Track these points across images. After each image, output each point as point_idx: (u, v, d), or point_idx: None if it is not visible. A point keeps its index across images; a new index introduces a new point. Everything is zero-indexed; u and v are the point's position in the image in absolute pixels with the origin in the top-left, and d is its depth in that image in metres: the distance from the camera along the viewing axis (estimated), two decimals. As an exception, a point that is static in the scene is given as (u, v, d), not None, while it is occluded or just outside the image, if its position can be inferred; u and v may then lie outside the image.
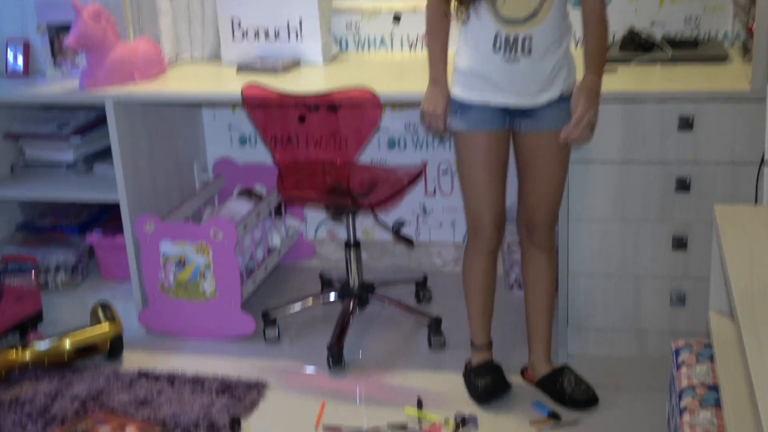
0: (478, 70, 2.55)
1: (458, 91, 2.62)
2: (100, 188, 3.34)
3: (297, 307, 3.38)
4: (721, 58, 3.02)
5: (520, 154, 2.71)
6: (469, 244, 2.80)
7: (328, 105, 2.85)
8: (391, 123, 3.59)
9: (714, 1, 3.24)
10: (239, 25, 3.44)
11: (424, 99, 2.68)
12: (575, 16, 2.66)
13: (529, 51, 2.50)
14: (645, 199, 2.84)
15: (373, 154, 3.68)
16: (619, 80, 2.88)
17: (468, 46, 2.57)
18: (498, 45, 2.50)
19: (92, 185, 3.39)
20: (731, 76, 2.85)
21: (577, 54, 2.65)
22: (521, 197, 2.75)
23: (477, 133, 2.62)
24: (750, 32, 2.81)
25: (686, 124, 2.74)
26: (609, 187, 2.85)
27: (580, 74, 2.61)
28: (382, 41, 3.55)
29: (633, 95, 2.76)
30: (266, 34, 3.43)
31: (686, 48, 3.13)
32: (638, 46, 3.14)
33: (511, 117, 2.62)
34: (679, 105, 2.73)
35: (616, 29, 3.32)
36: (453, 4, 2.55)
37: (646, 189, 2.83)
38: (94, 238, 3.49)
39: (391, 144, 3.67)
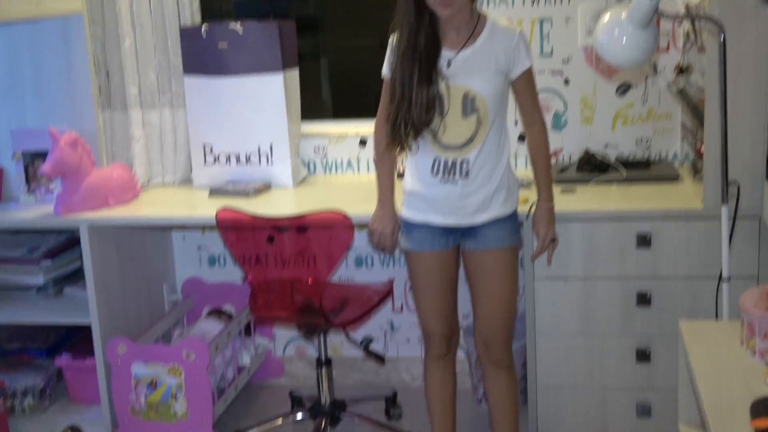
0: (420, 192, 2.73)
1: (404, 211, 2.80)
2: (70, 311, 3.35)
3: (267, 427, 3.38)
4: (673, 177, 3.18)
5: (468, 272, 2.82)
6: (425, 354, 2.93)
7: (299, 227, 2.93)
8: (358, 241, 3.68)
9: (663, 124, 3.43)
10: (211, 150, 3.55)
11: (372, 218, 2.88)
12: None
13: (466, 174, 2.66)
14: (608, 313, 2.94)
15: (341, 272, 3.75)
16: (578, 200, 3.02)
17: (411, 170, 2.76)
18: (436, 169, 2.68)
19: (62, 308, 3.39)
20: (684, 195, 3.00)
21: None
22: (475, 314, 2.82)
23: (423, 253, 2.78)
24: (699, 153, 2.97)
25: (644, 241, 2.87)
26: (573, 303, 2.94)
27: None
28: (349, 164, 3.67)
29: (592, 215, 2.89)
30: (237, 159, 3.53)
31: (639, 168, 3.29)
32: (594, 167, 3.29)
33: (456, 236, 2.77)
34: (636, 223, 2.87)
35: (572, 151, 3.49)
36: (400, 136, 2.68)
37: (608, 304, 2.93)
38: (63, 361, 3.48)
39: (359, 262, 3.75)
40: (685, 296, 2.88)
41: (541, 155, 2.78)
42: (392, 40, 2.70)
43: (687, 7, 3.00)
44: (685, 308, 2.88)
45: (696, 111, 2.98)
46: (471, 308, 2.83)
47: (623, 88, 3.43)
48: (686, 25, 3.20)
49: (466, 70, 2.62)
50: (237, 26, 3.42)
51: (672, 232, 2.85)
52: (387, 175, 2.85)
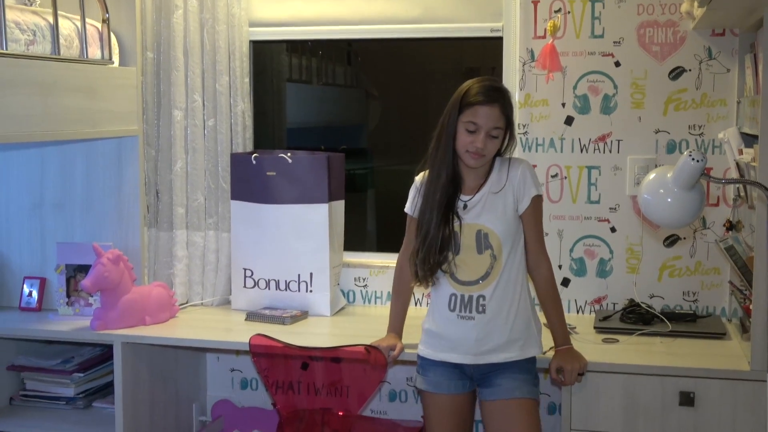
0: (437, 328, 2.75)
1: (421, 349, 2.80)
2: (97, 425, 3.32)
3: None
4: (720, 334, 3.09)
5: (487, 424, 2.75)
6: None
7: (332, 358, 2.90)
8: (392, 375, 3.62)
9: (711, 278, 3.37)
10: (251, 274, 3.56)
11: (380, 341, 2.91)
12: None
13: (483, 309, 2.68)
14: (647, 473, 2.82)
15: (373, 405, 3.68)
16: (620, 351, 2.94)
17: (431, 308, 2.80)
18: (453, 305, 2.71)
19: (89, 422, 3.37)
20: (730, 354, 2.90)
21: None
22: None
23: (439, 395, 2.77)
24: (747, 311, 2.90)
25: (687, 399, 2.77)
26: (611, 458, 2.84)
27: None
28: (389, 296, 3.65)
29: (634, 368, 2.80)
30: (277, 285, 3.53)
31: (685, 322, 3.21)
32: (639, 318, 3.22)
33: (472, 382, 2.75)
34: (679, 380, 2.77)
35: (617, 300, 3.43)
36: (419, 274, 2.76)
37: (648, 462, 2.82)
38: (85, 477, 3.42)
39: (392, 396, 3.67)
40: (729, 461, 2.76)
41: (550, 299, 2.79)
42: (419, 178, 2.82)
43: (738, 165, 2.98)
44: (729, 474, 2.75)
45: (744, 269, 2.92)
46: None
47: (671, 240, 3.39)
48: (736, 180, 3.17)
49: (480, 210, 2.70)
50: (287, 155, 3.48)
51: (717, 392, 2.75)
52: (398, 309, 2.95)
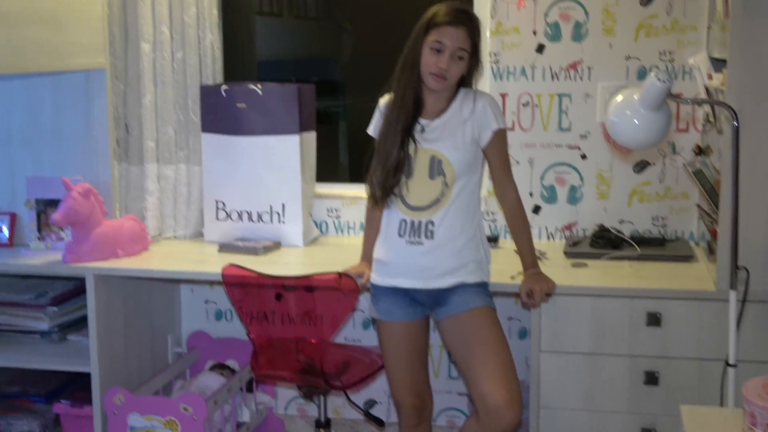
0: (386, 255, 2.78)
1: (373, 276, 2.84)
2: (71, 358, 3.34)
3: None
4: (688, 257, 3.14)
5: (448, 343, 2.79)
6: (399, 424, 2.94)
7: (305, 286, 2.92)
8: (366, 304, 3.64)
9: (680, 203, 3.40)
10: (223, 206, 3.56)
11: (351, 268, 2.92)
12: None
13: (431, 234, 2.70)
14: (614, 391, 2.88)
15: (347, 333, 3.72)
16: (589, 275, 2.99)
17: (381, 236, 2.81)
18: (402, 230, 2.73)
19: (64, 355, 3.38)
20: (697, 276, 2.95)
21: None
22: (472, 383, 2.69)
23: (391, 323, 2.81)
24: (714, 235, 2.94)
25: (654, 319, 2.82)
26: (579, 378, 2.89)
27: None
28: (361, 226, 3.66)
29: (603, 290, 2.85)
30: (249, 216, 3.53)
31: (654, 246, 3.25)
32: (608, 242, 3.26)
33: (424, 308, 2.79)
34: (647, 301, 2.82)
35: (587, 226, 3.47)
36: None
37: (615, 381, 2.87)
38: (61, 407, 3.45)
39: (366, 324, 3.71)
40: (693, 378, 2.82)
41: (519, 225, 2.81)
42: (383, 101, 2.82)
43: (707, 90, 2.99)
44: (693, 390, 2.82)
45: (712, 192, 2.95)
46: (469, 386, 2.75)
47: (640, 166, 3.42)
48: (706, 106, 3.19)
49: (437, 136, 2.71)
50: (257, 87, 3.46)
51: (683, 312, 2.80)
52: (373, 236, 2.91)
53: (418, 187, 2.71)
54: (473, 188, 2.75)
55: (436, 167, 2.70)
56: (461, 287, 2.73)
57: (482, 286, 2.77)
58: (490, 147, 2.73)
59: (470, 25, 2.65)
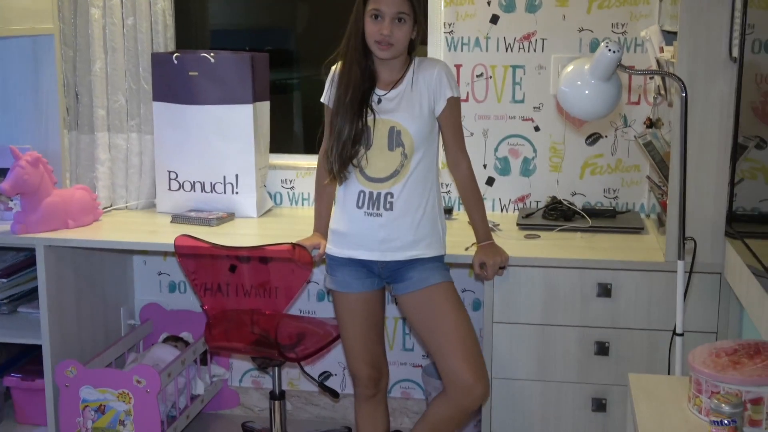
0: (344, 227, 2.77)
1: (329, 247, 2.83)
2: (22, 330, 3.30)
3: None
4: (638, 229, 3.18)
5: (410, 317, 2.81)
6: (354, 395, 2.96)
7: (259, 258, 2.91)
8: (320, 275, 3.64)
9: (631, 175, 3.44)
10: (176, 177, 3.52)
11: (305, 240, 2.92)
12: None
13: (390, 206, 2.70)
14: (565, 361, 2.92)
15: (302, 305, 3.72)
16: (541, 246, 3.01)
17: (338, 207, 2.81)
18: (361, 201, 2.72)
19: (14, 327, 3.35)
20: (647, 247, 2.99)
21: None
22: (442, 365, 2.72)
23: (347, 294, 2.81)
24: (664, 207, 2.98)
25: (605, 290, 2.86)
26: (531, 348, 2.92)
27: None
28: (316, 197, 3.66)
29: (554, 261, 2.88)
30: (202, 187, 3.50)
31: (605, 218, 3.29)
32: (560, 214, 3.29)
33: (380, 279, 2.80)
34: (598, 272, 2.86)
35: (539, 198, 3.49)
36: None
37: (566, 351, 2.91)
38: (11, 380, 3.42)
39: (321, 296, 3.72)
40: (643, 348, 2.87)
41: (471, 197, 2.83)
42: (333, 70, 2.81)
43: (658, 63, 3.01)
44: (643, 360, 2.87)
45: (662, 164, 2.99)
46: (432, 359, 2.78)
47: (593, 138, 3.44)
48: (657, 79, 3.22)
49: (394, 107, 2.70)
50: (209, 55, 3.41)
51: (633, 283, 2.84)
52: (325, 207, 2.94)
53: (377, 158, 2.70)
54: (432, 159, 2.75)
55: (395, 138, 2.69)
56: (419, 261, 2.74)
57: (439, 260, 2.78)
58: (444, 115, 2.73)
59: None
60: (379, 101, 2.71)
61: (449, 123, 2.75)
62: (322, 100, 2.85)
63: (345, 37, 2.72)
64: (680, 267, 2.42)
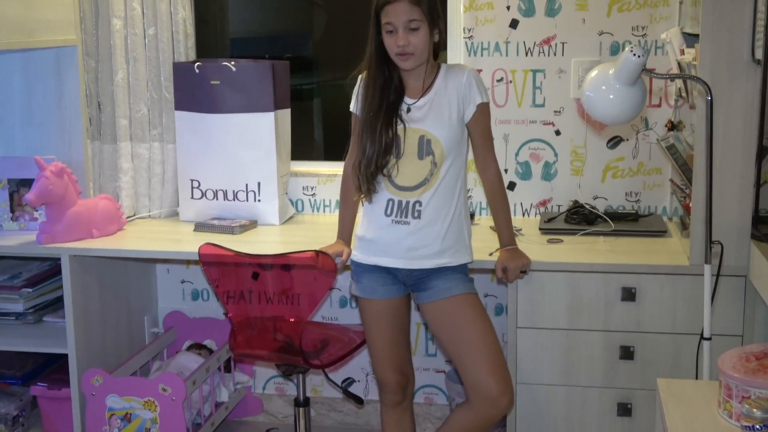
0: (371, 234, 2.77)
1: (354, 254, 2.83)
2: (48, 339, 3.32)
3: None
4: (661, 232, 3.17)
5: (433, 326, 2.80)
6: (380, 401, 2.94)
7: (282, 265, 2.92)
8: (342, 281, 3.66)
9: (653, 178, 3.43)
10: (198, 185, 3.54)
11: (328, 247, 2.93)
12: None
13: (419, 214, 2.70)
14: (590, 365, 2.91)
15: (324, 311, 3.73)
16: (565, 251, 3.01)
17: (365, 214, 2.80)
18: (390, 209, 2.72)
19: (40, 336, 3.36)
20: (671, 251, 2.98)
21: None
22: (467, 376, 2.71)
23: (373, 301, 2.80)
24: (687, 209, 2.97)
25: (629, 294, 2.85)
26: (555, 353, 2.92)
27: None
28: (337, 204, 3.66)
29: (578, 266, 2.87)
30: (225, 195, 3.52)
31: (628, 221, 3.28)
32: (582, 218, 3.28)
33: (406, 287, 2.80)
34: (622, 276, 2.85)
35: (561, 202, 3.49)
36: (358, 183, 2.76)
37: (591, 356, 2.90)
38: (38, 389, 3.44)
39: (343, 302, 3.72)
40: (668, 352, 2.86)
41: (498, 201, 2.83)
42: (360, 78, 2.80)
43: (679, 65, 3.01)
44: (669, 364, 2.85)
45: (685, 167, 2.98)
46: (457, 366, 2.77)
47: (614, 142, 3.44)
48: (678, 81, 3.21)
49: (424, 115, 2.70)
50: (230, 64, 3.43)
51: (657, 287, 2.84)
52: (349, 214, 2.95)
53: (407, 167, 2.70)
54: (460, 166, 2.75)
55: (425, 147, 2.68)
56: (444, 270, 2.73)
57: (464, 271, 2.78)
58: (473, 121, 2.73)
59: None
60: (409, 110, 2.71)
61: (479, 128, 2.75)
62: (351, 108, 2.84)
63: (367, 52, 2.72)
64: (707, 271, 2.41)
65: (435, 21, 2.65)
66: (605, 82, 2.33)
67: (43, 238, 3.16)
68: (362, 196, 2.77)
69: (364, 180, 2.71)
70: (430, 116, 2.69)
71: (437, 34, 2.69)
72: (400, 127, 2.69)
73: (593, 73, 2.39)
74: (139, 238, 3.35)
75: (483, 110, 2.73)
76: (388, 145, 2.68)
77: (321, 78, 4.62)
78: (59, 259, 3.18)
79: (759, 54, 2.51)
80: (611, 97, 2.33)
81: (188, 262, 3.76)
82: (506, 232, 2.83)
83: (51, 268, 3.55)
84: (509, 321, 2.92)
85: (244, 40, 4.56)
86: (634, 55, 2.24)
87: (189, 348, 3.65)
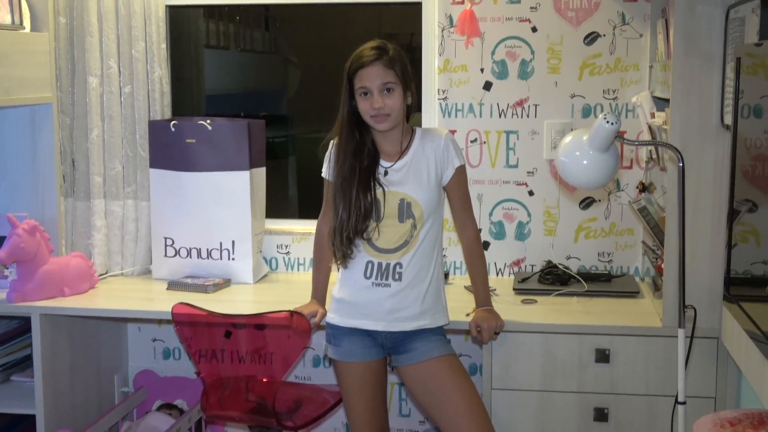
0: (349, 297, 2.76)
1: (331, 317, 2.80)
2: (15, 399, 3.25)
3: None
4: (634, 293, 3.19)
5: (413, 390, 2.79)
6: None
7: (255, 324, 2.91)
8: (316, 341, 3.63)
9: (625, 239, 3.47)
10: (172, 243, 3.52)
11: (303, 307, 2.91)
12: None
13: (399, 276, 2.70)
14: (565, 427, 2.90)
15: (298, 371, 3.70)
16: (539, 312, 3.02)
17: (343, 276, 2.79)
18: (369, 272, 2.72)
19: (8, 397, 3.29)
20: (644, 312, 3.01)
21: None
22: (444, 427, 2.72)
23: (352, 364, 2.78)
24: (659, 270, 3.00)
25: (603, 356, 2.86)
26: (530, 415, 2.91)
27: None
28: (311, 262, 3.65)
29: (552, 327, 2.88)
30: (198, 253, 3.50)
31: (601, 282, 3.30)
32: (556, 278, 3.30)
33: (384, 349, 2.78)
34: (596, 337, 2.86)
35: (535, 262, 3.51)
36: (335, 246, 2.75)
37: (565, 417, 2.90)
38: (3, 452, 3.37)
39: (316, 362, 3.70)
40: (643, 414, 2.86)
41: (476, 261, 2.84)
42: (332, 144, 2.80)
43: (650, 129, 3.06)
44: (643, 426, 2.86)
45: (657, 229, 3.01)
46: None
47: (586, 202, 3.48)
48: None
49: (402, 179, 2.71)
50: (206, 123, 3.44)
51: (631, 348, 2.85)
52: (322, 274, 2.95)
53: (388, 230, 2.70)
54: (438, 229, 2.77)
55: (405, 210, 2.70)
56: (423, 332, 2.73)
57: (442, 332, 2.78)
58: (451, 183, 2.76)
59: (383, 57, 2.63)
60: (386, 173, 2.73)
61: (457, 190, 2.78)
62: (323, 174, 2.85)
63: (339, 117, 2.73)
64: (681, 335, 2.42)
65: (408, 83, 2.70)
66: (579, 148, 2.36)
67: (14, 296, 3.12)
68: (338, 262, 2.77)
69: (340, 246, 2.71)
70: (409, 179, 2.71)
71: (410, 96, 2.72)
72: (379, 190, 2.70)
73: (567, 138, 2.42)
74: (111, 297, 3.31)
75: (461, 173, 2.76)
76: (368, 209, 2.69)
77: (296, 133, 4.65)
78: (28, 317, 3.14)
79: (728, 119, 2.56)
80: (585, 162, 2.36)
81: (160, 320, 3.72)
82: (482, 292, 2.84)
83: (19, 326, 3.49)
84: (484, 382, 2.92)
85: (220, 97, 4.58)
86: (608, 122, 2.28)
87: (159, 408, 3.60)
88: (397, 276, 2.70)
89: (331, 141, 2.81)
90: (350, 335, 2.77)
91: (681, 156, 2.39)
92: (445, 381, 2.69)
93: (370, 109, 2.64)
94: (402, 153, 2.74)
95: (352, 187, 2.69)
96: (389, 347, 2.77)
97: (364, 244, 2.72)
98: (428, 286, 2.73)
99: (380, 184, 2.71)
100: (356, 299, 2.74)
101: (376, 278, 2.71)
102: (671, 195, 2.71)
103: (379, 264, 2.71)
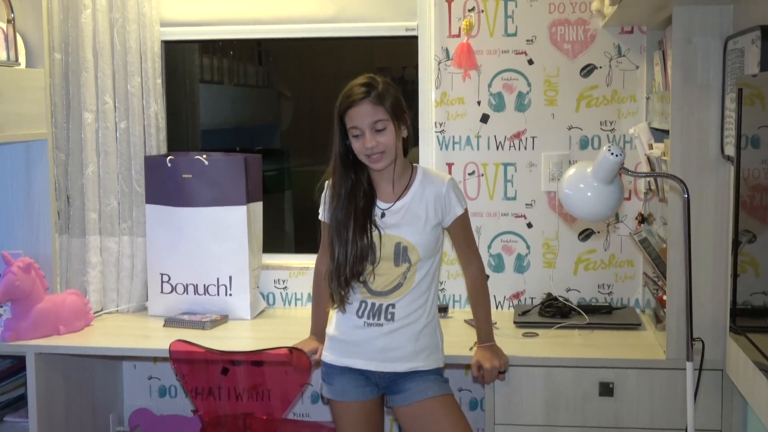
0: (342, 334, 2.72)
1: (325, 354, 2.77)
2: (9, 441, 3.21)
3: None
4: (635, 325, 3.17)
5: (408, 429, 2.74)
6: None
7: (252, 360, 2.87)
8: (316, 378, 3.59)
9: (625, 270, 3.45)
10: (168, 279, 3.48)
11: (302, 344, 2.89)
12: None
13: (392, 317, 2.66)
14: (570, 463, 2.87)
15: (297, 408, 3.65)
16: (541, 345, 2.99)
17: (337, 314, 2.74)
18: (362, 311, 2.68)
19: (1, 437, 3.26)
20: (646, 344, 2.98)
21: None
22: None
23: (346, 403, 2.74)
24: (660, 302, 2.98)
25: (607, 389, 2.83)
26: (534, 451, 2.87)
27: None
28: (309, 298, 3.63)
29: (554, 361, 2.85)
30: (195, 289, 3.46)
31: (601, 314, 3.28)
32: (557, 311, 3.28)
33: (379, 389, 2.74)
34: (599, 371, 2.83)
35: (534, 294, 3.49)
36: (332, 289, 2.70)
37: (570, 453, 2.87)
38: (-4, 494, 3.30)
39: (315, 398, 3.65)
40: (647, 448, 2.83)
41: (480, 296, 2.81)
42: (327, 185, 2.75)
43: (648, 160, 3.05)
44: (648, 461, 2.83)
45: (658, 260, 2.99)
46: None
47: (585, 234, 3.46)
48: (647, 174, 3.26)
49: (399, 221, 2.66)
50: (202, 158, 3.42)
51: (635, 381, 2.82)
52: (321, 310, 2.90)
53: (383, 273, 2.65)
54: (435, 269, 2.72)
55: (401, 254, 2.65)
56: (418, 373, 2.69)
57: (438, 371, 2.74)
58: (454, 226, 2.71)
59: (371, 94, 2.57)
60: (383, 215, 2.66)
61: (460, 232, 2.74)
62: (319, 217, 2.79)
63: (332, 157, 2.67)
64: (689, 368, 2.39)
65: (400, 117, 2.62)
66: (583, 180, 2.35)
67: (8, 335, 3.08)
68: (335, 306, 2.73)
69: (337, 290, 2.66)
70: (405, 223, 2.65)
71: (405, 129, 2.66)
72: (375, 233, 2.64)
73: (571, 171, 2.41)
74: (107, 335, 3.27)
75: (464, 217, 2.72)
76: (364, 252, 2.63)
77: (290, 166, 4.64)
78: (23, 356, 3.09)
79: (729, 150, 2.56)
80: (589, 194, 2.34)
81: (155, 358, 3.67)
82: (485, 328, 2.81)
83: (13, 365, 3.44)
84: (487, 417, 2.88)
85: (215, 131, 4.57)
86: (612, 154, 2.27)
87: (155, 447, 3.55)
88: (389, 316, 2.66)
89: (326, 182, 2.76)
90: (343, 374, 2.72)
91: (686, 187, 2.37)
92: (440, 421, 2.65)
93: (363, 149, 2.59)
94: (401, 194, 2.68)
95: (348, 230, 2.63)
96: (384, 387, 2.73)
97: (360, 286, 2.67)
98: (423, 326, 2.69)
99: (376, 227, 2.65)
100: (349, 338, 2.70)
101: (368, 318, 2.67)
102: (673, 226, 2.69)
103: (372, 304, 2.67)
